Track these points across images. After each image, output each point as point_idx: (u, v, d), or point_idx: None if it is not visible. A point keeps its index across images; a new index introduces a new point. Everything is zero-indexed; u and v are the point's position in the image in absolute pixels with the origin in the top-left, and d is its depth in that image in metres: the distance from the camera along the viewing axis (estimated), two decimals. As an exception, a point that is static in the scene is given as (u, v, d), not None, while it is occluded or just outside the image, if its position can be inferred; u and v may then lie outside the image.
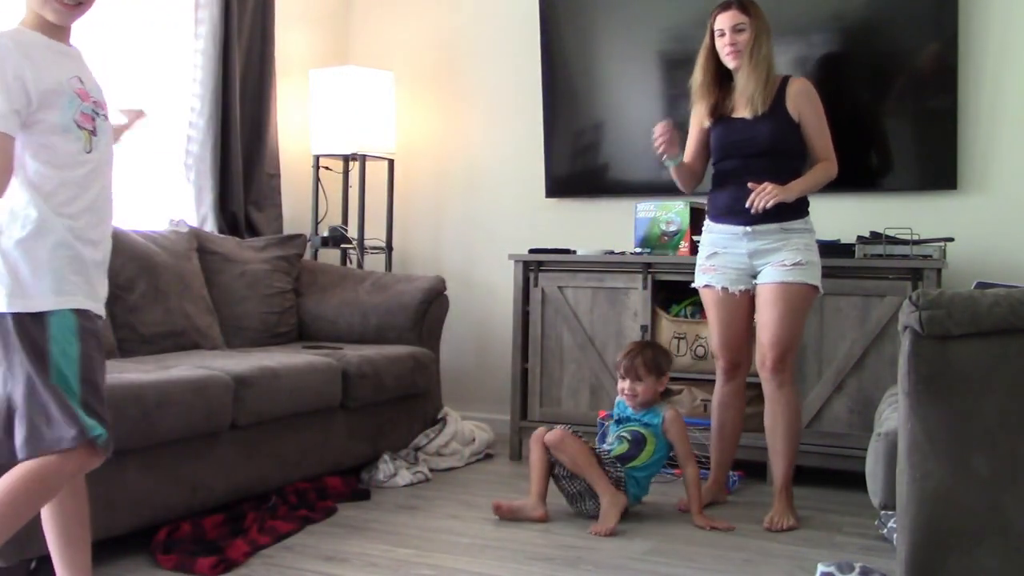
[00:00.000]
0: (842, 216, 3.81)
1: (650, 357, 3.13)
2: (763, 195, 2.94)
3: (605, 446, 3.15)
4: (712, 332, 3.21)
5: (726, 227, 3.10)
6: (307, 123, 4.49)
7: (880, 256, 3.38)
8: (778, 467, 3.07)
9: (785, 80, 3.09)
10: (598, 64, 4.26)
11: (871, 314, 3.36)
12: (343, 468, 3.39)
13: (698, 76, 3.15)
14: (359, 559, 2.59)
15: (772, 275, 3.02)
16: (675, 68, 4.10)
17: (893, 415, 2.31)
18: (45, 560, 2.37)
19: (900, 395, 1.86)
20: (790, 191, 2.98)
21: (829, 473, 3.51)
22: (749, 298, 3.13)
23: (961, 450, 1.78)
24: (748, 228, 3.03)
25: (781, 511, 3.02)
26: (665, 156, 3.13)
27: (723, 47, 3.05)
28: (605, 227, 4.21)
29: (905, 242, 3.37)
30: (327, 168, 4.54)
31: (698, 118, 3.20)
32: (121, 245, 3.29)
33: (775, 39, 3.88)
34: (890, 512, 2.51)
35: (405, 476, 3.46)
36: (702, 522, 2.98)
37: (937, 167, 3.68)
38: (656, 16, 4.10)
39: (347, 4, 4.89)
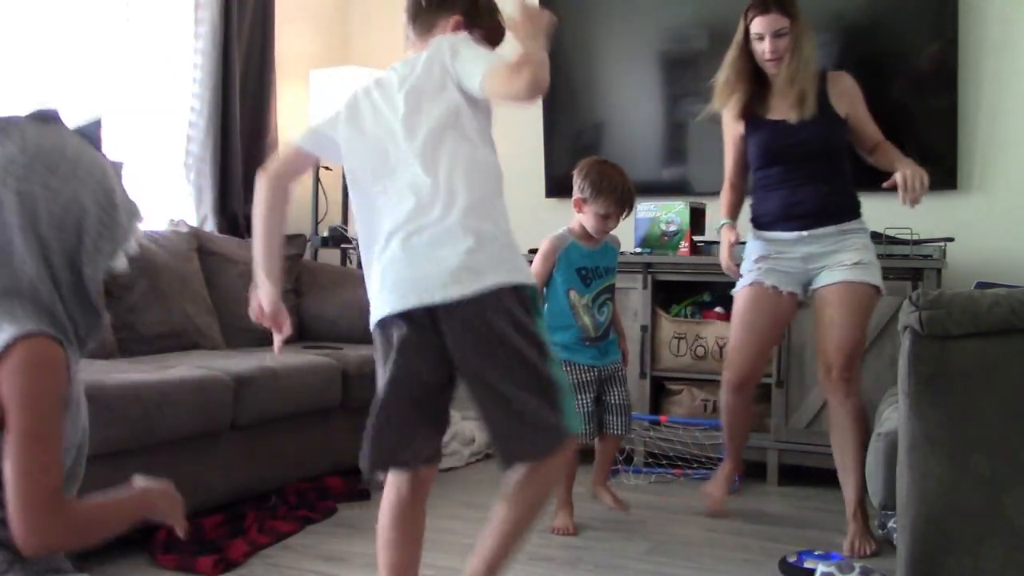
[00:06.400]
0: (842, 216, 3.81)
1: (632, 191, 2.98)
2: (918, 190, 2.63)
3: (590, 319, 2.97)
4: (732, 339, 2.95)
5: (778, 234, 2.87)
6: (307, 123, 4.48)
7: (880, 256, 3.37)
8: (850, 487, 2.79)
9: (823, 76, 2.86)
10: (598, 64, 4.26)
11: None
12: (343, 468, 3.39)
13: (727, 76, 2.88)
14: (359, 559, 2.59)
15: (834, 275, 2.79)
16: (675, 68, 4.10)
17: (893, 415, 2.31)
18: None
19: (900, 395, 1.86)
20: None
21: (829, 473, 3.51)
22: (793, 306, 2.91)
23: (961, 450, 1.78)
24: (804, 232, 2.82)
25: (860, 533, 2.75)
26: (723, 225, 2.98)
27: (763, 53, 2.79)
28: (605, 227, 4.20)
29: (905, 242, 3.37)
30: (327, 168, 4.53)
31: (731, 128, 2.98)
32: (121, 245, 3.29)
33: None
34: (890, 512, 2.50)
35: (405, 476, 3.45)
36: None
37: (937, 167, 3.65)
38: (656, 16, 4.10)
39: (347, 4, 4.88)
